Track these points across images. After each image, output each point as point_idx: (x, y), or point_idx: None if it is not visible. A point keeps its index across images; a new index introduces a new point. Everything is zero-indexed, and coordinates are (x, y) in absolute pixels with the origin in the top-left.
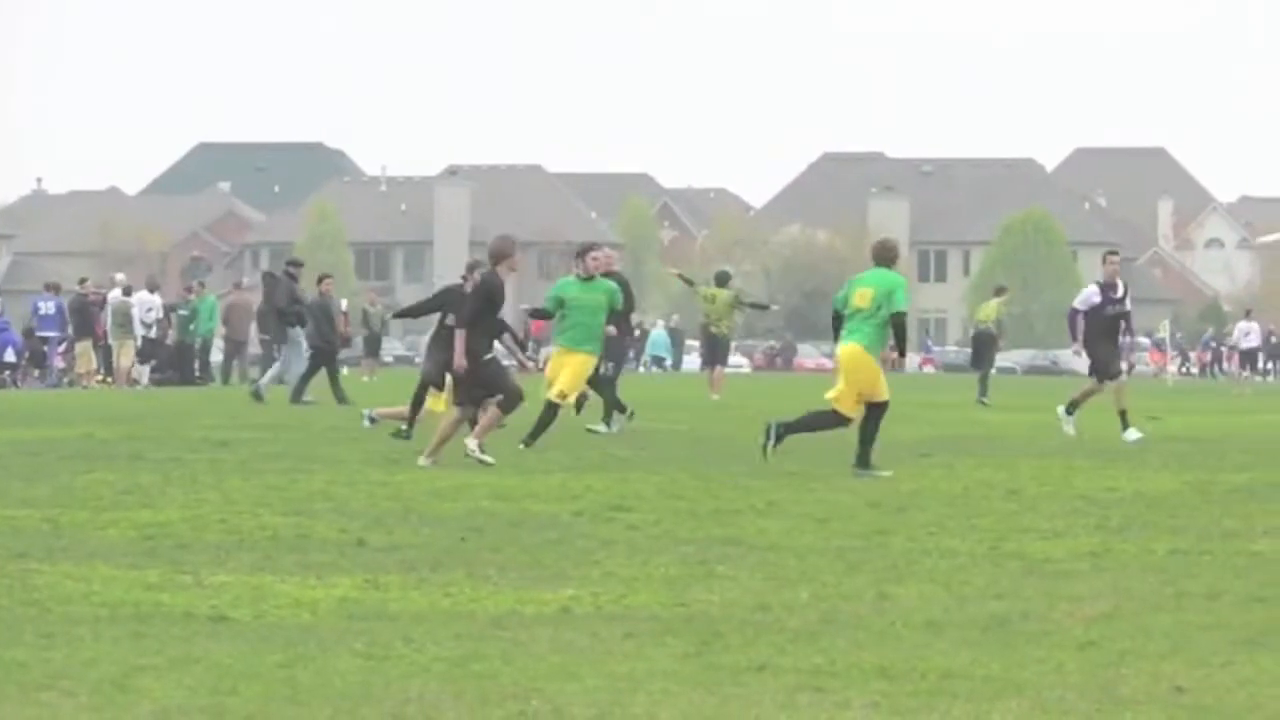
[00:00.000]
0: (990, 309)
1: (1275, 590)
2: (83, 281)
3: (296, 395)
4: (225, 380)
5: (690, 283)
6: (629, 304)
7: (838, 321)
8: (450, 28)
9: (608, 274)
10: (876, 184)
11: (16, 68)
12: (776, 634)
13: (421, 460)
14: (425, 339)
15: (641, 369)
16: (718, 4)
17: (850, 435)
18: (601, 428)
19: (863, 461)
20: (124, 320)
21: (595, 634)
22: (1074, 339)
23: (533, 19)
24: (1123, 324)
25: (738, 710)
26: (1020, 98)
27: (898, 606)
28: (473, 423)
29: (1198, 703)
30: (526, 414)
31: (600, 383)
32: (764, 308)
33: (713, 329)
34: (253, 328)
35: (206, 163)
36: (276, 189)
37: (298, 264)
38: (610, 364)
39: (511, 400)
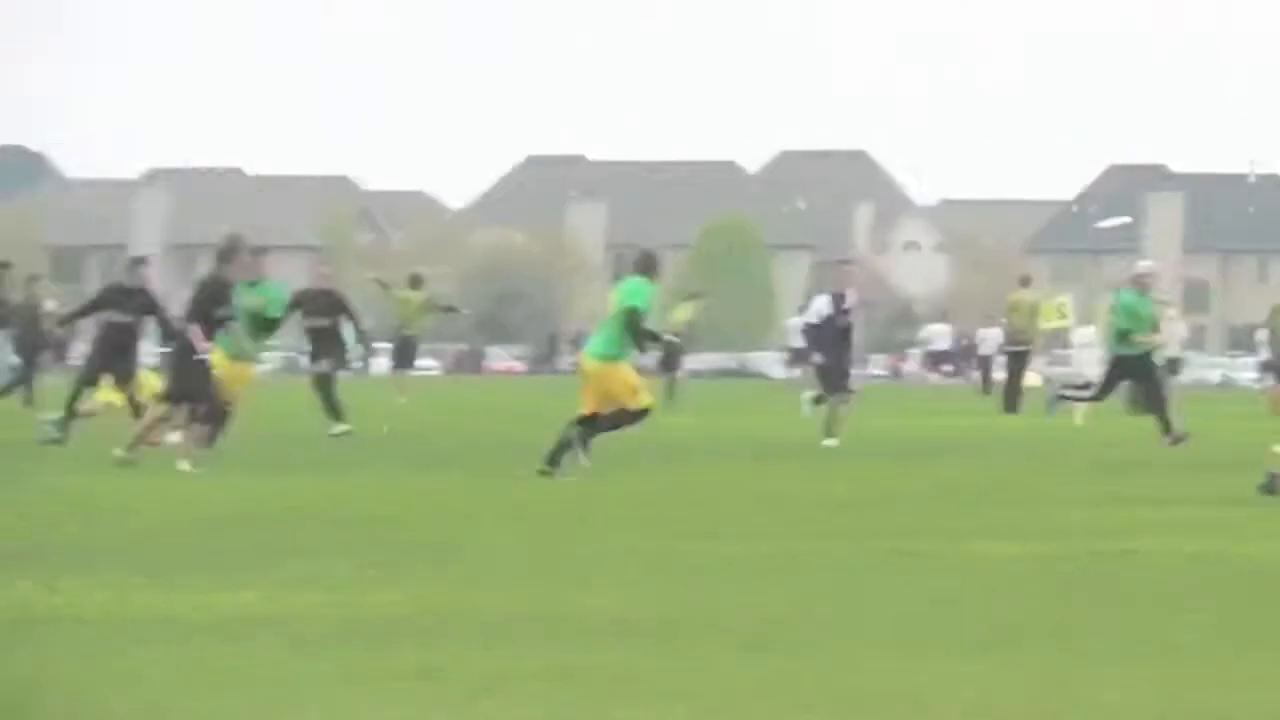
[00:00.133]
0: (683, 311)
1: (953, 592)
2: None
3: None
4: None
5: (386, 286)
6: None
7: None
8: (147, 30)
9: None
10: (578, 187)
11: None
12: (451, 638)
13: (118, 452)
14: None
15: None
16: (418, 8)
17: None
18: (338, 428)
19: (553, 460)
20: None
21: (262, 639)
22: (814, 351)
23: (227, 20)
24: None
25: (408, 716)
26: (723, 102)
27: (578, 608)
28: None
29: (875, 704)
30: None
31: (321, 384)
32: (455, 311)
33: (405, 331)
34: None
35: None
36: None
37: (5, 265)
38: (328, 363)
39: (210, 411)
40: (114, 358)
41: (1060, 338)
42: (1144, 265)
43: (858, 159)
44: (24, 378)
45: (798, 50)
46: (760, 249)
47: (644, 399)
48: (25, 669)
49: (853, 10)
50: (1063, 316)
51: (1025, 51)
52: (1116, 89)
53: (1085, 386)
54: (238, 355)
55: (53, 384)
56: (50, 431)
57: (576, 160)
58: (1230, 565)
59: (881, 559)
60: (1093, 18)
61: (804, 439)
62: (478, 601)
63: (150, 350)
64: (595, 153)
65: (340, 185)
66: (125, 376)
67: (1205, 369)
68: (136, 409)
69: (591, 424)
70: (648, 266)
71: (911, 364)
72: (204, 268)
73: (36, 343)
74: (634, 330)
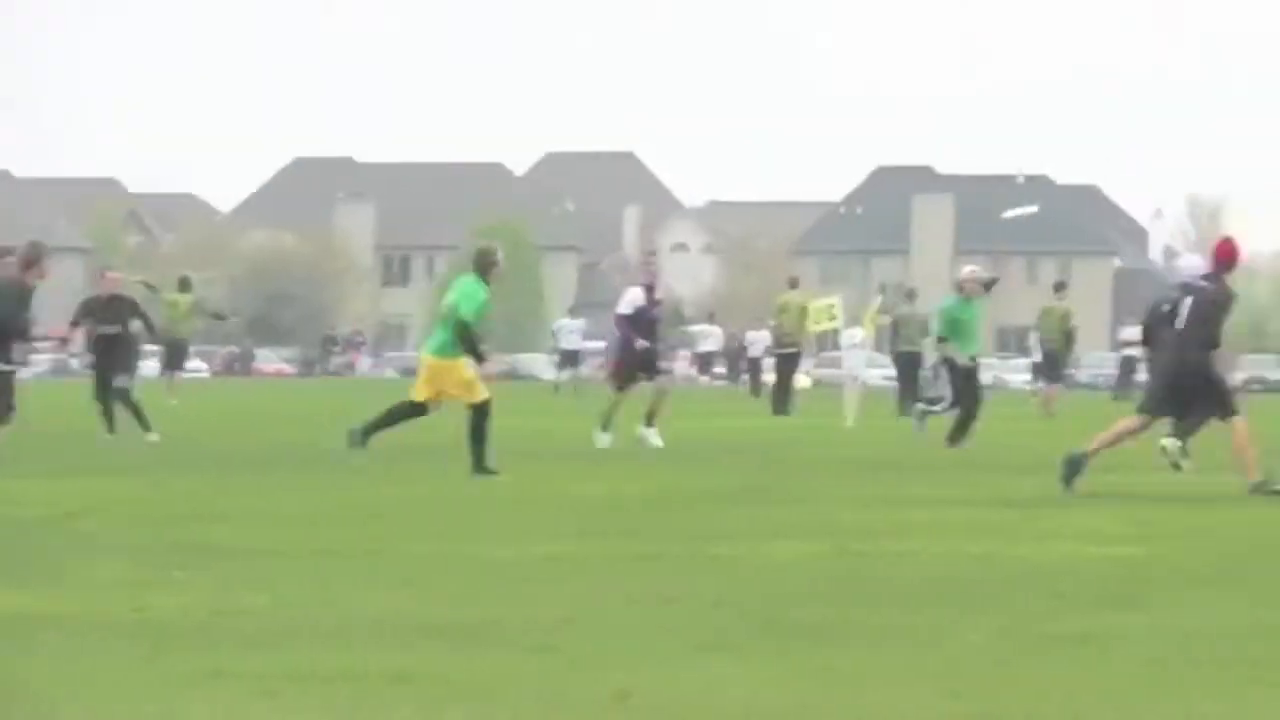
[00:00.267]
0: None
1: (732, 594)
2: None
3: None
4: None
5: (154, 289)
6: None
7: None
8: None
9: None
10: (346, 189)
11: None
12: (233, 639)
13: None
14: None
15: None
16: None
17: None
18: (152, 436)
19: (479, 466)
20: None
21: (43, 640)
22: (636, 338)
23: None
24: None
25: (190, 716)
26: (490, 103)
27: (356, 610)
28: None
29: (646, 704)
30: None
31: (118, 395)
32: (223, 318)
33: (174, 334)
34: None
35: None
36: None
37: None
38: (124, 376)
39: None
40: None
41: (830, 339)
42: (967, 270)
43: (625, 160)
44: None
45: (563, 51)
46: (529, 250)
47: (480, 393)
48: None
49: (619, 9)
50: (832, 318)
51: (791, 53)
52: (883, 90)
53: (938, 399)
54: None
55: None
56: None
57: (344, 162)
58: (1003, 567)
59: (654, 560)
60: (859, 19)
61: (575, 438)
62: (255, 605)
63: None
64: (363, 154)
65: (108, 186)
66: None
67: None
68: None
69: (413, 411)
70: (484, 265)
71: (681, 365)
72: None
73: None
74: (463, 341)
